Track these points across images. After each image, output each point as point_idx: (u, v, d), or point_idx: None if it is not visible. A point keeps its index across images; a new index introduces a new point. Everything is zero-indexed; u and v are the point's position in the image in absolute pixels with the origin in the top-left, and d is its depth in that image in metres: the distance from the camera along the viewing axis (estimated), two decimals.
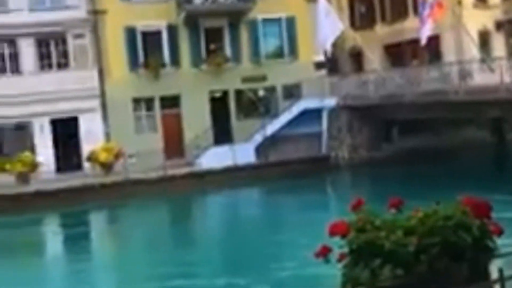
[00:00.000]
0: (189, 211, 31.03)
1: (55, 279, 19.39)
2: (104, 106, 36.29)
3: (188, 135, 36.68)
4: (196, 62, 37.50)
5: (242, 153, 34.86)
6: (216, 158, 34.42)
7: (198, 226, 26.79)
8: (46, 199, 30.90)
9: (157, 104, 37.09)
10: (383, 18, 42.91)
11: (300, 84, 38.18)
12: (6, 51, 35.46)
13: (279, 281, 16.03)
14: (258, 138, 36.16)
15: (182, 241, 23.01)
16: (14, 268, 20.62)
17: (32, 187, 32.14)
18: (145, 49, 36.96)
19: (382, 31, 42.53)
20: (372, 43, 40.79)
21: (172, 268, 18.30)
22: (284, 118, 36.90)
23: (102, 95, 36.27)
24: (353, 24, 43.02)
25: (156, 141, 36.21)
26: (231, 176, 33.34)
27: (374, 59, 38.82)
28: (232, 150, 34.73)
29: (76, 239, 25.75)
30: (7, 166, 32.81)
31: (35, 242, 26.33)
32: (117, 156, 34.06)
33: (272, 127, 36.49)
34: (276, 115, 37.35)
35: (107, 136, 36.00)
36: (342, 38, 39.79)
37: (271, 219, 25.79)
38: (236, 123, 37.81)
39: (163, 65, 37.05)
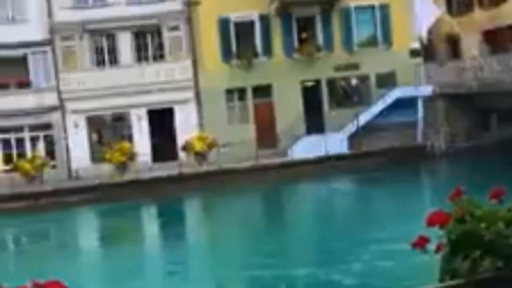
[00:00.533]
0: (280, 201, 31.13)
1: (154, 265, 19.93)
2: (198, 97, 36.92)
3: (280, 124, 36.77)
4: (288, 51, 37.48)
5: (335, 142, 34.61)
6: (308, 148, 34.35)
7: (288, 216, 26.86)
8: (143, 188, 31.80)
9: (249, 94, 37.37)
10: (481, 3, 41.37)
11: (394, 72, 37.46)
12: (105, 44, 36.64)
13: (372, 271, 15.84)
14: (351, 127, 35.78)
15: (272, 230, 23.12)
16: (117, 254, 21.35)
17: (130, 176, 33.13)
18: (238, 39, 37.28)
19: (480, 16, 41.02)
20: (470, 29, 39.43)
21: (262, 256, 18.42)
22: (378, 107, 36.33)
23: (196, 86, 36.90)
24: (449, 10, 41.74)
25: (248, 131, 36.51)
26: (323, 166, 33.17)
27: (472, 46, 37.56)
28: (324, 140, 34.54)
29: (172, 226, 26.41)
30: (107, 156, 33.96)
31: (134, 228, 27.17)
32: (211, 146, 34.59)
33: (365, 116, 36.01)
34: (369, 104, 36.83)
35: (201, 126, 36.62)
36: (438, 25, 38.67)
37: (364, 210, 25.52)
38: (328, 113, 37.56)
39: (256, 55, 37.26)
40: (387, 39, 38.26)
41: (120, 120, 37.59)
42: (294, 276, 16.30)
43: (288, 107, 36.67)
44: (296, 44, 37.65)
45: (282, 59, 37.35)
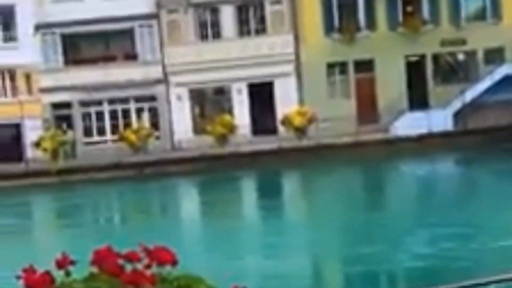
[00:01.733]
0: (379, 178, 30.68)
1: (251, 236, 20.18)
2: (298, 71, 36.80)
3: (382, 100, 36.13)
4: (392, 25, 36.63)
5: (439, 119, 33.67)
6: (410, 124, 33.59)
7: (387, 194, 26.46)
8: (242, 160, 32.17)
9: (351, 68, 36.88)
10: None
11: (503, 48, 35.89)
12: (208, 18, 37.09)
13: (481, 255, 15.37)
14: (457, 104, 34.67)
15: (371, 208, 22.84)
16: (215, 223, 21.76)
17: (230, 148, 33.59)
18: (341, 13, 36.77)
19: None
20: None
21: (359, 233, 18.25)
22: (485, 83, 34.98)
23: (297, 60, 36.78)
24: None
25: (348, 106, 36.11)
26: (426, 144, 32.38)
27: None
28: (428, 117, 33.66)
29: (270, 199, 26.63)
30: (208, 128, 34.55)
31: (232, 199, 27.55)
32: (310, 120, 34.48)
33: (472, 93, 34.77)
34: (476, 81, 35.52)
35: (301, 100, 36.53)
36: None
37: (466, 193, 24.73)
38: (432, 88, 36.54)
39: (358, 28, 36.66)
40: (497, 12, 36.65)
41: (221, 93, 38.10)
42: (388, 255, 16.02)
43: (391, 83, 35.93)
44: (400, 17, 36.72)
45: (386, 33, 36.55)
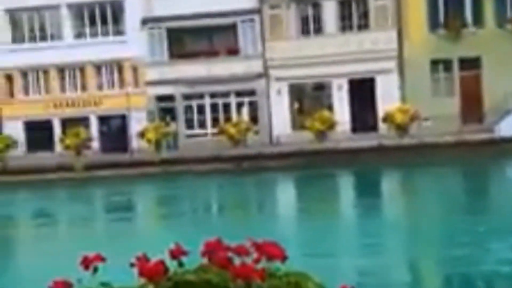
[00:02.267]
0: (481, 180, 29.61)
1: (348, 235, 20.02)
2: (401, 67, 36.14)
3: (488, 99, 34.91)
4: (500, 22, 35.29)
5: None
6: None
7: (490, 197, 25.53)
8: (341, 157, 31.97)
9: (455, 66, 35.84)
10: None
11: None
12: (310, 13, 37.03)
13: None
14: None
15: (474, 211, 22.11)
16: (312, 220, 21.75)
17: (328, 144, 33.44)
18: (446, 9, 35.77)
19: None
20: None
21: (461, 236, 17.72)
22: None
23: (400, 56, 36.12)
24: None
25: (452, 104, 35.13)
26: None
27: None
28: None
29: (368, 197, 26.31)
30: (307, 124, 34.53)
31: (330, 196, 27.41)
32: (413, 118, 33.78)
33: None
34: None
35: (403, 97, 35.87)
36: None
37: None
38: None
39: (464, 25, 35.55)
40: None
41: (321, 89, 37.97)
42: (486, 259, 15.49)
43: (499, 81, 34.59)
44: (509, 13, 35.32)
45: (493, 30, 35.26)
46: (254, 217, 23.01)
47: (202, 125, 38.34)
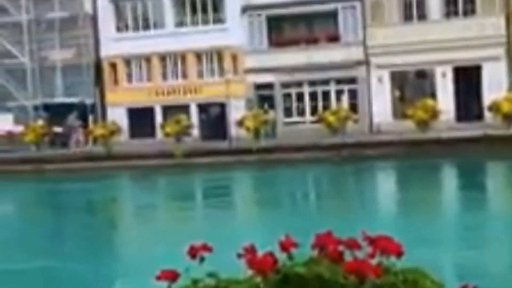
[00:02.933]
0: None
1: (447, 228, 19.28)
2: (509, 54, 34.54)
3: None
4: None
5: None
6: None
7: None
8: (444, 147, 30.94)
9: None
10: None
11: None
12: None
13: None
14: None
15: None
16: (410, 211, 21.11)
17: (431, 134, 32.44)
18: None
19: None
20: None
21: None
22: None
23: (508, 43, 34.52)
24: None
25: None
26: None
27: None
28: None
29: (470, 190, 25.27)
30: (409, 112, 33.63)
31: (430, 188, 26.47)
32: None
33: None
34: None
35: (511, 86, 34.30)
36: None
37: None
38: None
39: None
40: None
41: (423, 77, 36.91)
42: None
43: None
44: None
45: None
46: (354, 207, 22.52)
47: (300, 113, 38.15)
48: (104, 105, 40.76)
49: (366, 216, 19.21)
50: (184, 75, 39.88)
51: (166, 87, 40.09)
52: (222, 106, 38.22)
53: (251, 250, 2.50)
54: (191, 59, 39.53)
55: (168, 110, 38.90)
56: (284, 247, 2.51)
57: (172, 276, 2.40)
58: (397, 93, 37.08)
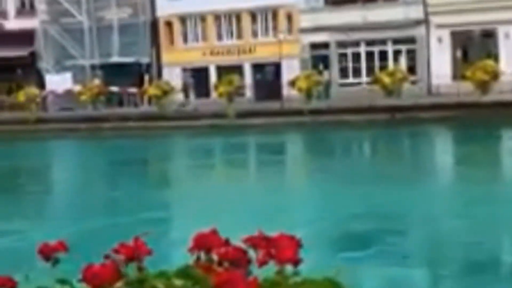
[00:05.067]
0: None
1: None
2: None
3: None
4: None
5: None
6: None
7: None
8: (505, 110, 29.56)
9: None
10: None
11: None
12: None
13: None
14: None
15: None
16: (472, 184, 20.21)
17: (491, 96, 31.08)
18: None
19: None
20: None
21: None
22: None
23: None
24: None
25: None
26: None
27: None
28: None
29: None
30: (467, 73, 32.27)
31: (489, 154, 25.37)
32: None
33: None
34: None
35: None
36: None
37: None
38: None
39: None
40: None
41: (486, 37, 35.33)
42: None
43: None
44: None
45: None
46: (407, 173, 21.60)
47: (356, 74, 37.24)
48: (160, 65, 40.79)
49: (419, 183, 18.41)
50: (239, 35, 39.42)
51: (221, 47, 39.76)
52: (277, 66, 37.65)
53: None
54: (246, 18, 38.98)
55: (222, 70, 38.61)
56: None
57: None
58: (458, 54, 35.65)
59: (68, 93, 39.48)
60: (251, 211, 14.54)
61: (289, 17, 37.76)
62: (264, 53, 37.86)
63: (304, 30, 37.19)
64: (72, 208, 17.80)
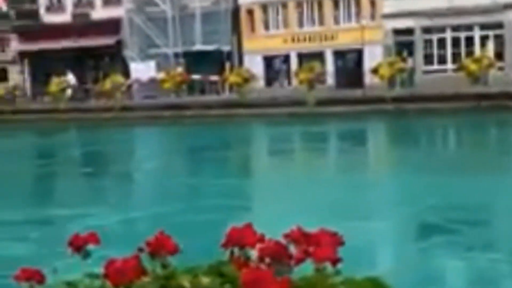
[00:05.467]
0: None
1: None
2: None
3: None
4: None
5: None
6: None
7: None
8: None
9: None
10: None
11: None
12: None
13: None
14: None
15: None
16: None
17: None
18: None
19: None
20: None
21: None
22: None
23: None
24: None
25: None
26: None
27: None
28: None
29: None
30: None
31: None
32: None
33: None
34: None
35: None
36: None
37: None
38: None
39: None
40: None
41: None
42: None
43: None
44: None
45: None
46: (494, 163, 20.69)
47: (441, 60, 36.16)
48: (241, 53, 40.93)
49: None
50: (321, 21, 39.00)
51: (302, 33, 39.48)
52: (359, 53, 37.06)
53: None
54: (327, 4, 38.52)
55: (303, 57, 38.36)
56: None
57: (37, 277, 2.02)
58: None
59: (152, 81, 40.23)
60: (328, 201, 14.34)
61: (372, 3, 37.06)
62: (346, 39, 37.33)
63: (387, 16, 36.40)
64: (151, 193, 18.15)
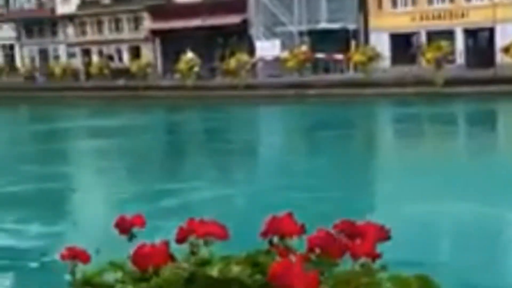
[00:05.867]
0: None
1: None
2: None
3: None
4: None
5: None
6: None
7: None
8: None
9: None
10: None
11: None
12: None
13: None
14: None
15: None
16: None
17: None
18: None
19: None
20: None
21: None
22: None
23: None
24: None
25: None
26: None
27: None
28: None
29: None
30: None
31: None
32: None
33: None
34: None
35: None
36: None
37: None
38: None
39: None
40: None
41: None
42: None
43: None
44: None
45: None
46: None
47: None
48: (367, 31, 40.19)
49: None
50: None
51: (431, 11, 38.14)
52: (491, 31, 35.31)
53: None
54: None
55: (432, 36, 37.08)
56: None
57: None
58: None
59: (277, 59, 40.42)
60: (455, 185, 13.77)
61: None
62: (477, 17, 35.67)
63: None
64: (265, 170, 18.32)
